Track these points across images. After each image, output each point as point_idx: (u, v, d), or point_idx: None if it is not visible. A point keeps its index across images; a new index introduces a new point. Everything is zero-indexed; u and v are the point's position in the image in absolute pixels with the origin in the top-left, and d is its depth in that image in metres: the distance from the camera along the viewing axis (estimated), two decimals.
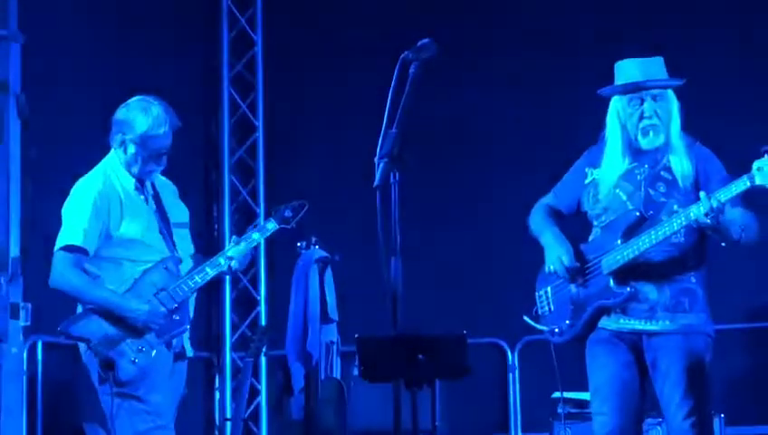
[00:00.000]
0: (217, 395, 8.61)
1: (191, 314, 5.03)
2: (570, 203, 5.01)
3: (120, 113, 4.98)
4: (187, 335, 5.04)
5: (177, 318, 4.92)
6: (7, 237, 6.91)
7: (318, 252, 7.27)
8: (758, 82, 7.52)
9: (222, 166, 8.79)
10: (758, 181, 4.40)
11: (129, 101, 5.01)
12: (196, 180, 8.54)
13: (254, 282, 8.72)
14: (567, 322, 4.88)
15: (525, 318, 5.03)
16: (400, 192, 3.96)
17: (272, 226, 5.12)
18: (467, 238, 8.14)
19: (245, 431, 7.94)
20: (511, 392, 7.99)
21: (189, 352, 5.09)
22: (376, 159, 3.99)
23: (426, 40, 4.10)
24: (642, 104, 4.77)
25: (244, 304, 8.72)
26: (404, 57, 4.07)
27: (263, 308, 8.73)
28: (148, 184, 5.04)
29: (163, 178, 5.16)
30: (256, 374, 8.60)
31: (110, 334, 4.81)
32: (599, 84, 4.90)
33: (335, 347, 7.58)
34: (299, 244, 7.27)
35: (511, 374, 8.00)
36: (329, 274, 7.23)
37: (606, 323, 4.80)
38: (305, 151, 8.75)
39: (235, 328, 8.76)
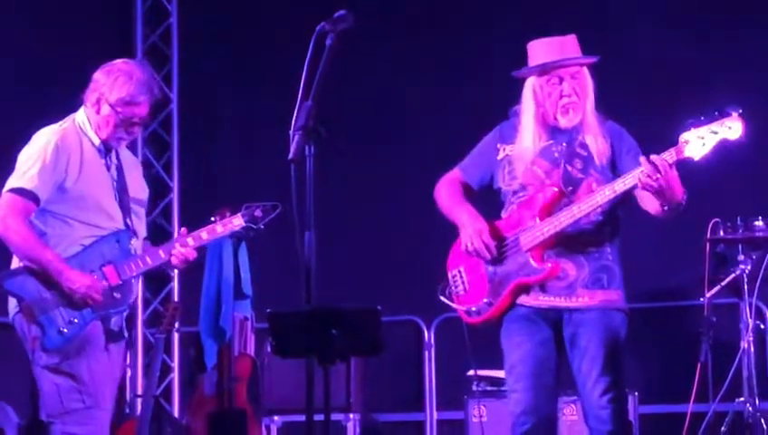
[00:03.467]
0: (129, 372, 8.50)
1: (134, 296, 4.84)
2: (482, 178, 4.94)
3: (103, 72, 4.75)
4: (124, 316, 4.81)
5: (118, 296, 4.69)
6: None
7: None
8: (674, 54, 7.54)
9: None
10: (685, 154, 4.43)
11: (115, 61, 4.78)
12: None
13: None
14: (485, 300, 4.82)
15: (441, 298, 4.96)
16: (316, 166, 3.89)
17: (238, 222, 4.93)
18: (385, 214, 8.11)
19: (157, 408, 7.84)
20: (426, 370, 7.97)
21: (125, 334, 4.85)
22: (291, 132, 3.93)
23: (342, 11, 4.05)
24: (561, 83, 4.75)
25: (157, 279, 8.60)
26: (320, 29, 4.01)
27: (175, 284, 8.64)
28: (113, 154, 4.82)
29: (130, 154, 4.97)
30: (169, 351, 8.53)
31: (44, 298, 4.58)
32: (511, 66, 4.87)
33: (249, 323, 7.52)
34: (213, 218, 7.17)
35: (427, 352, 7.98)
36: (243, 249, 7.16)
37: (525, 299, 4.77)
38: (220, 124, 8.66)
39: (147, 304, 8.68)
